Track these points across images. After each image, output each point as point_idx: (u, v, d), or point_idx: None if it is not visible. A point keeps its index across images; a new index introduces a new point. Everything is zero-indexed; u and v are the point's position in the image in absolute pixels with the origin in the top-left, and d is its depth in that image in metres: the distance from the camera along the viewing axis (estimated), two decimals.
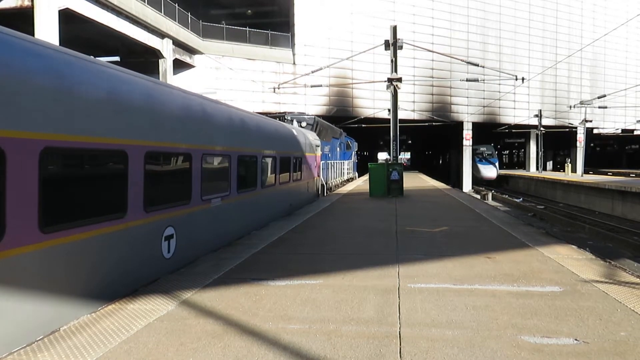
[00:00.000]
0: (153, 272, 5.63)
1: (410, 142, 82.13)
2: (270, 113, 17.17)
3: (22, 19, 18.01)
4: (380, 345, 3.60)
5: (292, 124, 16.49)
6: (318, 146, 16.54)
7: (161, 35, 25.95)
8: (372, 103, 36.89)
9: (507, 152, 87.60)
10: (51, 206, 4.04)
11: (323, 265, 6.27)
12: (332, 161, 23.43)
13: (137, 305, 4.54)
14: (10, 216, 3.60)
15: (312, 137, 15.75)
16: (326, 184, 19.96)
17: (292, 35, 34.49)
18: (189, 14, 29.01)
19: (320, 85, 23.69)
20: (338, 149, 27.03)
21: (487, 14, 42.84)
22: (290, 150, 12.50)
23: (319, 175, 17.09)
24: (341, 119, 35.08)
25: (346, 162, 29.68)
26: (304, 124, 17.55)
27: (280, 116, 16.44)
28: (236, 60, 32.01)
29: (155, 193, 5.77)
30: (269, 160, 10.72)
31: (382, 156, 39.68)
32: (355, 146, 36.31)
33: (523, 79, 19.52)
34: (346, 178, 28.74)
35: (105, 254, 4.78)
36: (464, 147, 42.85)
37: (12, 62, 3.72)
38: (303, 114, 18.49)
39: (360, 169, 42.45)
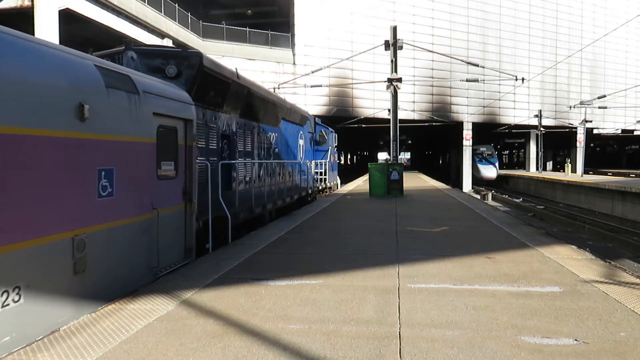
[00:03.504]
0: None
1: (410, 142, 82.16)
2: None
3: (23, 18, 18.03)
4: (380, 346, 3.60)
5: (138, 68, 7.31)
6: (190, 120, 7.19)
7: (161, 35, 25.97)
8: (372, 103, 36.88)
9: (507, 152, 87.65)
10: None
11: (323, 265, 6.26)
12: (276, 162, 13.29)
13: (136, 305, 4.54)
14: None
15: (166, 97, 6.60)
16: (239, 214, 9.58)
17: (292, 36, 34.50)
18: (189, 14, 29.04)
19: (320, 85, 23.73)
20: (300, 141, 16.85)
21: (487, 14, 42.83)
22: None
23: (189, 202, 7.13)
24: (341, 119, 35.13)
25: (314, 163, 19.38)
26: (171, 70, 7.59)
27: (116, 53, 7.66)
28: (236, 60, 31.96)
29: None
30: None
31: (382, 156, 39.54)
32: (334, 139, 24.02)
33: (523, 79, 19.54)
34: (315, 189, 19.07)
35: None
36: (464, 147, 42.85)
37: None
38: (175, 47, 7.61)
39: (359, 170, 42.05)
